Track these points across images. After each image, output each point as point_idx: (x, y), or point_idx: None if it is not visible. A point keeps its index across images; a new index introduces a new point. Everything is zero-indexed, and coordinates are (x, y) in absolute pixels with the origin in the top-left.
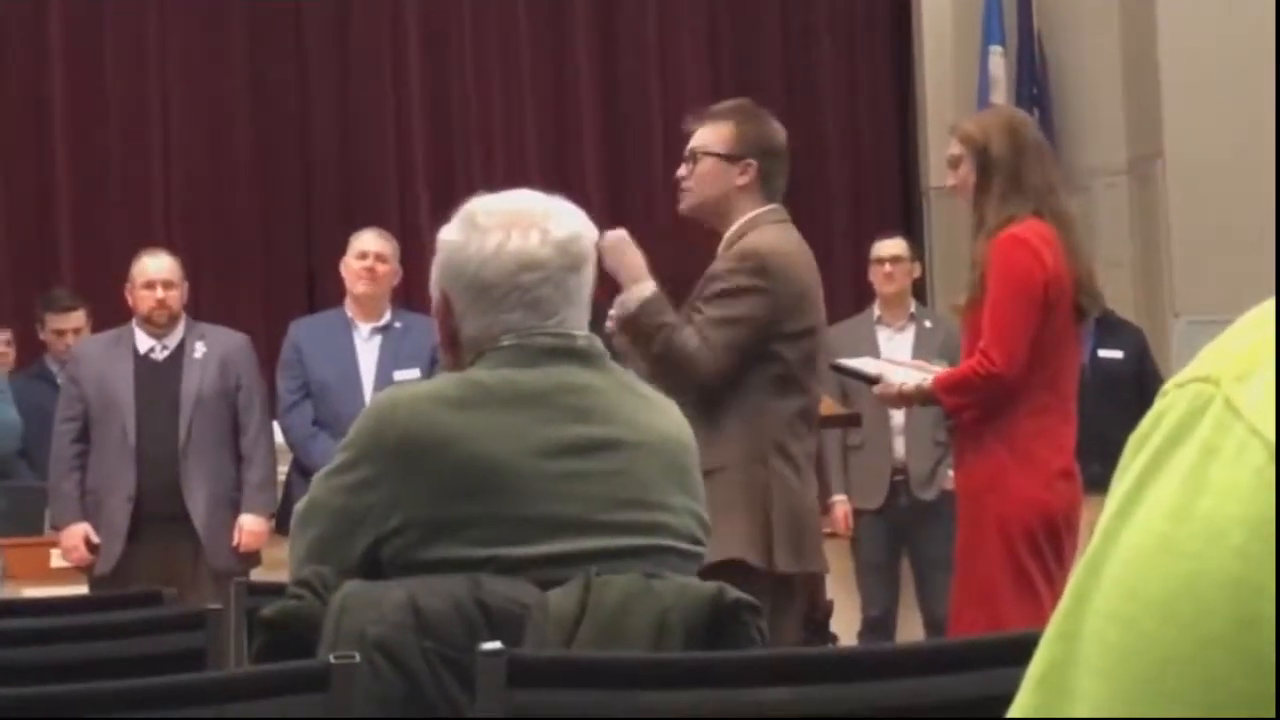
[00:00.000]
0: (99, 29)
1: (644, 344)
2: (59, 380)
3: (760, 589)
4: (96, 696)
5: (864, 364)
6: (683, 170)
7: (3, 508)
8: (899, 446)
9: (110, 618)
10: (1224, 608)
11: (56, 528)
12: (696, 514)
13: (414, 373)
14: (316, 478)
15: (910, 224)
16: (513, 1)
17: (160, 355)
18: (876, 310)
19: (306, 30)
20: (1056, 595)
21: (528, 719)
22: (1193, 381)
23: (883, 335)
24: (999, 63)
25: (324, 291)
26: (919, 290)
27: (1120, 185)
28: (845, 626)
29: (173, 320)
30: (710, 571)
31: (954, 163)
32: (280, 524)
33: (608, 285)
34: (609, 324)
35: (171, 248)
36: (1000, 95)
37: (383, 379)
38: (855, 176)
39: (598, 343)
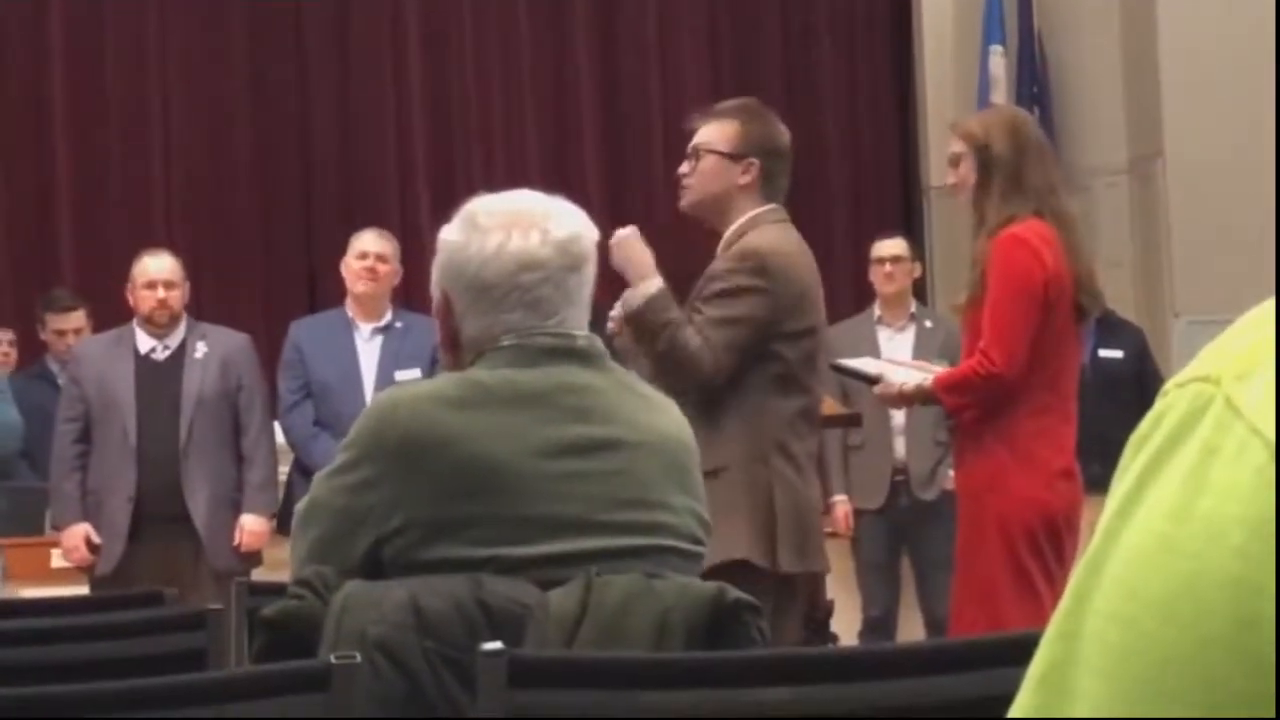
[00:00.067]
0: (99, 29)
1: (649, 340)
2: (60, 380)
3: (763, 589)
4: (97, 697)
5: (864, 364)
6: (685, 167)
7: (3, 508)
8: (899, 446)
9: (111, 618)
10: (1224, 608)
11: (57, 528)
12: (697, 514)
13: (415, 373)
14: (317, 478)
15: (910, 224)
16: (513, 1)
17: (161, 355)
18: (877, 310)
19: (306, 30)
20: (1057, 595)
21: (528, 719)
22: (1193, 381)
23: (883, 335)
24: (999, 62)
25: (324, 291)
26: (919, 290)
27: (1120, 185)
28: (845, 626)
29: (174, 320)
30: (714, 572)
31: (955, 161)
32: (281, 524)
33: (609, 285)
34: (610, 324)
35: (172, 248)
36: (1000, 95)
37: (383, 379)
38: (855, 176)
39: (598, 343)
